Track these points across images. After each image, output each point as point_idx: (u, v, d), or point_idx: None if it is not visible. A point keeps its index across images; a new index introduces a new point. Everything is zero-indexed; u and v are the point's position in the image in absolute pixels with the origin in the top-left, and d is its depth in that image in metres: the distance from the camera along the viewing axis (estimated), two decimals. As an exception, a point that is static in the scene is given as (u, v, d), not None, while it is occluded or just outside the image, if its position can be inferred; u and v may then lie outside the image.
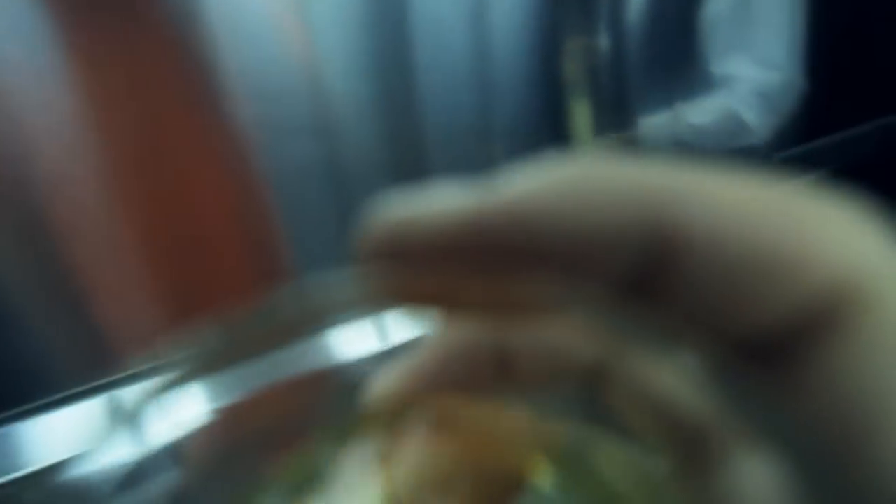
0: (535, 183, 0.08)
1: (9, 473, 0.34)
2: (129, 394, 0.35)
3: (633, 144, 0.54)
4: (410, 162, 0.43)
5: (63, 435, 0.37)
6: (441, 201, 0.08)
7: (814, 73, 0.63)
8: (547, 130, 0.48)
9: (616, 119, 0.52)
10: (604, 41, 0.47)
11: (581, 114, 0.49)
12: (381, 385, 0.11)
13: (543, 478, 0.10)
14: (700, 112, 0.58)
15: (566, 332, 0.09)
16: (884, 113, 0.77)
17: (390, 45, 0.38)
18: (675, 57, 0.52)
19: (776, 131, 0.66)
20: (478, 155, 0.45)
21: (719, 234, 0.07)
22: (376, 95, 0.39)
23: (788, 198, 0.08)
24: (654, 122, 0.54)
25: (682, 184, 0.08)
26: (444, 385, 0.10)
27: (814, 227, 0.07)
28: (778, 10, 0.57)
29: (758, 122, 0.65)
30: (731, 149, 0.63)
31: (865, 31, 0.67)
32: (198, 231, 0.38)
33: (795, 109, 0.66)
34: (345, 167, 0.40)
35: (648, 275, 0.07)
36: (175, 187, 0.36)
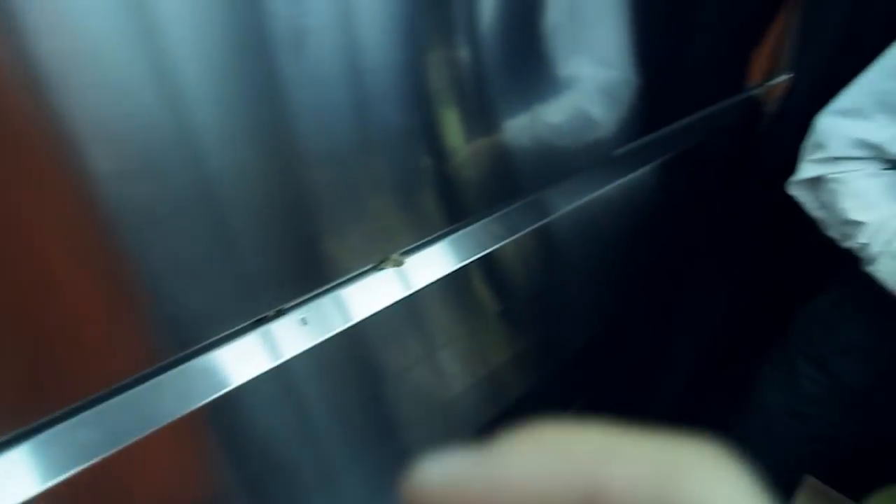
0: (511, 454, 0.13)
1: None
2: None
3: (501, 147, 0.57)
4: (290, 185, 0.41)
5: None
6: (451, 468, 0.13)
7: (646, 69, 0.71)
8: (421, 141, 0.49)
9: (483, 125, 0.54)
10: (463, 52, 0.49)
11: (451, 123, 0.50)
12: None
13: None
14: (554, 112, 0.62)
15: None
16: (708, 103, 0.88)
17: (255, 67, 0.36)
18: (528, 62, 0.56)
19: (619, 125, 0.73)
20: (357, 172, 0.45)
21: (629, 490, 0.11)
22: (245, 121, 0.37)
23: (677, 451, 0.12)
24: (516, 125, 0.58)
25: (605, 449, 0.12)
26: None
27: (691, 480, 0.11)
28: (609, 13, 0.62)
29: (603, 118, 0.71)
30: (583, 144, 0.69)
31: (687, 30, 0.76)
32: (42, 290, 0.33)
33: (634, 104, 0.73)
34: (218, 198, 0.37)
35: None
36: (10, 241, 0.31)
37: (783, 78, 0.94)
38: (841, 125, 0.70)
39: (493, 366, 0.73)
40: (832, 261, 0.78)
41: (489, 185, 0.59)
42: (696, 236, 1.07)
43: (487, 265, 0.61)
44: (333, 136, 0.42)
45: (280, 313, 0.46)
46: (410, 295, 0.54)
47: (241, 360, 0.44)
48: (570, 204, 0.70)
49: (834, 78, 0.74)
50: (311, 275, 0.47)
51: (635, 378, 1.25)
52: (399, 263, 0.52)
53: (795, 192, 0.77)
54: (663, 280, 1.07)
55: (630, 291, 0.98)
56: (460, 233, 0.58)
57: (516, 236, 0.63)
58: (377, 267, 0.51)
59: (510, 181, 0.62)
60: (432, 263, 0.56)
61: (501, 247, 0.62)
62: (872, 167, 0.69)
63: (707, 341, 1.19)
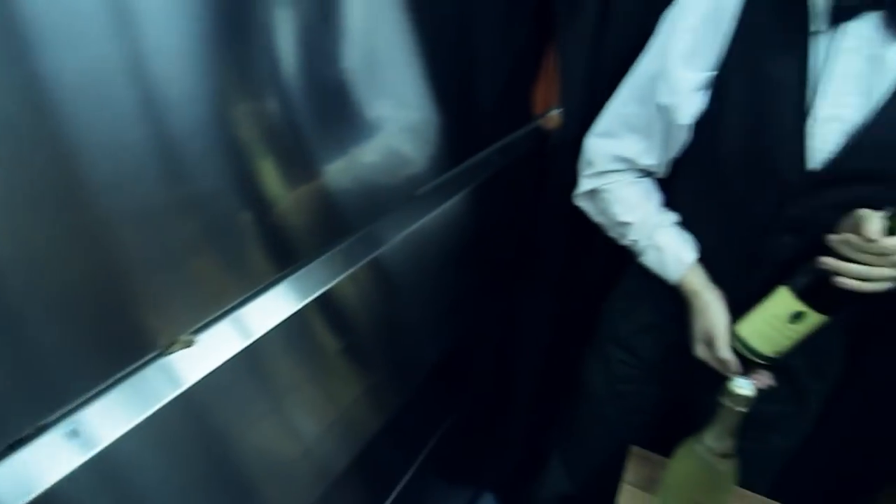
0: None
1: None
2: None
3: (322, 189, 0.60)
4: (102, 259, 0.39)
5: None
6: None
7: (443, 108, 0.78)
8: (240, 194, 0.49)
9: (302, 172, 0.56)
10: (272, 104, 0.51)
11: (268, 174, 0.52)
12: None
13: None
14: (367, 152, 0.67)
15: None
16: (501, 136, 0.99)
17: (37, 130, 0.34)
18: (338, 108, 0.59)
19: (428, 161, 0.80)
20: (176, 233, 0.44)
21: None
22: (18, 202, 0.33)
23: None
24: (336, 168, 0.61)
25: None
26: None
27: None
28: (403, 56, 0.68)
29: (413, 154, 0.77)
30: (398, 179, 0.74)
31: (473, 70, 0.86)
32: None
33: (437, 141, 0.80)
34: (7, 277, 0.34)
35: None
36: None
37: (559, 108, 1.10)
38: (601, 145, 0.85)
39: (347, 404, 0.73)
40: (620, 257, 0.93)
41: (315, 227, 0.61)
42: (513, 253, 1.19)
43: (325, 304, 0.63)
44: (138, 206, 0.41)
45: (42, 429, 0.39)
46: (247, 347, 0.53)
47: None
48: (395, 236, 0.74)
49: (593, 105, 0.89)
50: (86, 374, 0.41)
51: (489, 389, 1.33)
52: (189, 344, 0.48)
53: (580, 203, 0.91)
54: (495, 295, 1.17)
55: (466, 310, 1.05)
56: (292, 277, 0.59)
57: (350, 272, 0.65)
58: (164, 352, 0.47)
59: (335, 221, 0.64)
60: (267, 312, 0.56)
61: (336, 284, 0.63)
62: (630, 177, 0.85)
63: (547, 343, 1.31)
